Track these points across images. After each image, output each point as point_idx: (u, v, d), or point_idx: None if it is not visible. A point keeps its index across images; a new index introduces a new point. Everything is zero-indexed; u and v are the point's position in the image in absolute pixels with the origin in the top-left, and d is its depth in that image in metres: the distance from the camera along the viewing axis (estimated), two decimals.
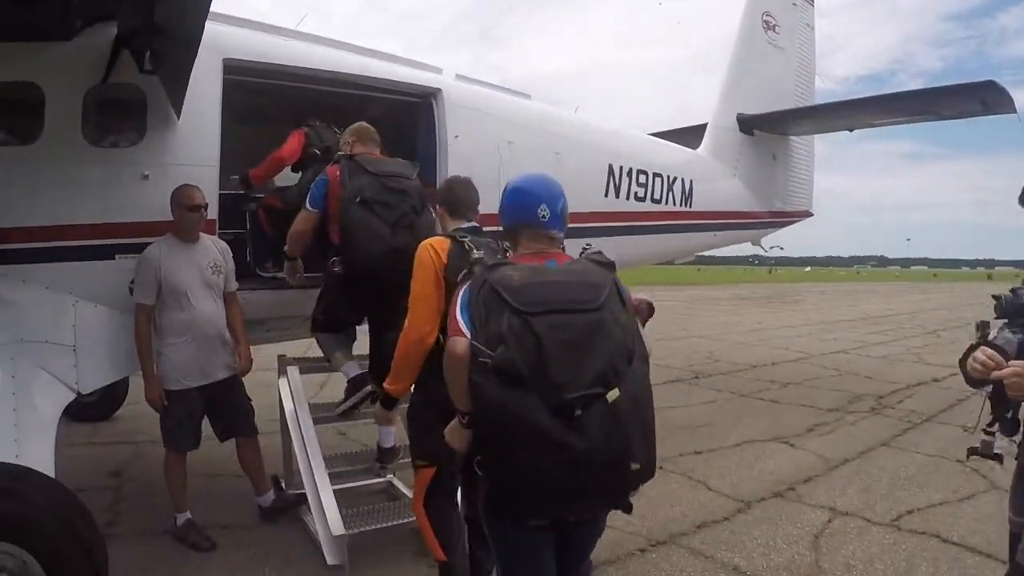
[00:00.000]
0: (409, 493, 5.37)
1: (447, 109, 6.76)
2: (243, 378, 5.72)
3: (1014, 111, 9.98)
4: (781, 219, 13.00)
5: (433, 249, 3.95)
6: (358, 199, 5.10)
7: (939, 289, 67.77)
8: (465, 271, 3.23)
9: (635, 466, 2.74)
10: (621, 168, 8.87)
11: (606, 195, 8.71)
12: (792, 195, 13.19)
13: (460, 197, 4.37)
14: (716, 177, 11.34)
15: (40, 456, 4.27)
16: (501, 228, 3.37)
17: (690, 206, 10.27)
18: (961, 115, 11.01)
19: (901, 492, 6.93)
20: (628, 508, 2.88)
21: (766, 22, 12.81)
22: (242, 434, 5.75)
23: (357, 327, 5.90)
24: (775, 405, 10.95)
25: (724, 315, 28.91)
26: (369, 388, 5.56)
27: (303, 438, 5.23)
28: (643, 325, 3.15)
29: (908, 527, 6.06)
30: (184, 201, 5.23)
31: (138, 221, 5.28)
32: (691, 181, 10.28)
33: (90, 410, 8.45)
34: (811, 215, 13.90)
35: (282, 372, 5.90)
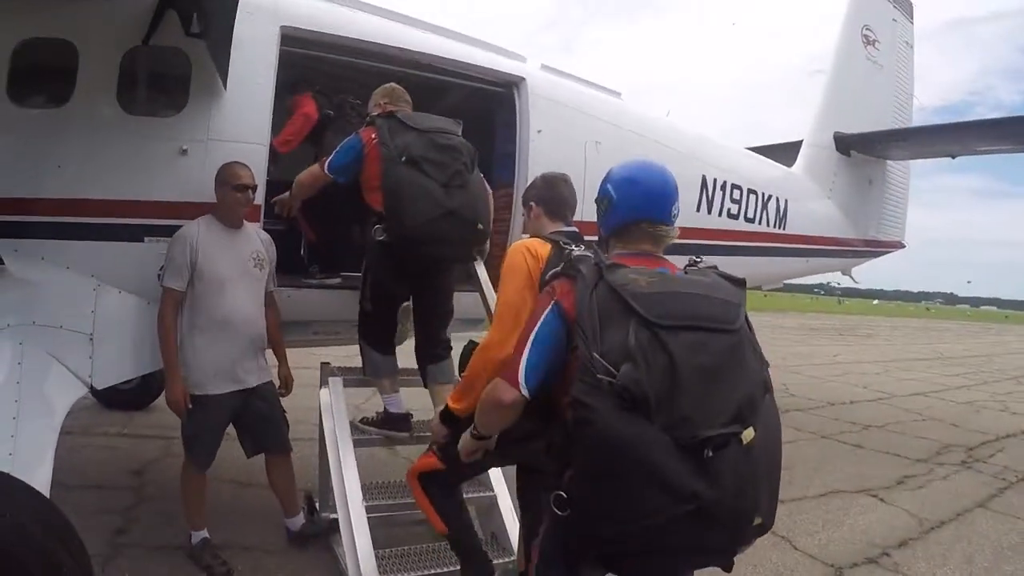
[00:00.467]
0: None
1: (530, 101, 6.05)
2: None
3: None
4: (875, 248, 12.17)
5: (529, 252, 3.36)
6: (404, 158, 4.46)
7: (1012, 331, 65.34)
8: (557, 270, 2.71)
9: (757, 520, 2.36)
10: (715, 181, 8.09)
11: (698, 209, 7.93)
12: (886, 224, 12.40)
13: (564, 196, 3.81)
14: (811, 198, 10.54)
15: (36, 461, 3.65)
16: (608, 224, 2.90)
17: (784, 228, 9.45)
18: None
19: (1007, 566, 6.09)
20: (730, 567, 2.49)
21: (865, 36, 12.11)
22: (273, 450, 5.07)
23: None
24: (859, 450, 10.02)
25: (796, 345, 27.73)
26: (406, 435, 5.00)
27: (340, 463, 4.49)
28: None
29: None
30: (230, 180, 4.62)
31: (173, 201, 4.68)
32: (786, 201, 9.47)
33: (126, 396, 7.91)
34: (903, 247, 13.07)
35: (324, 383, 5.16)
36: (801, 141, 11.29)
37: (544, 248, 3.37)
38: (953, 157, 11.64)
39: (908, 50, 13.21)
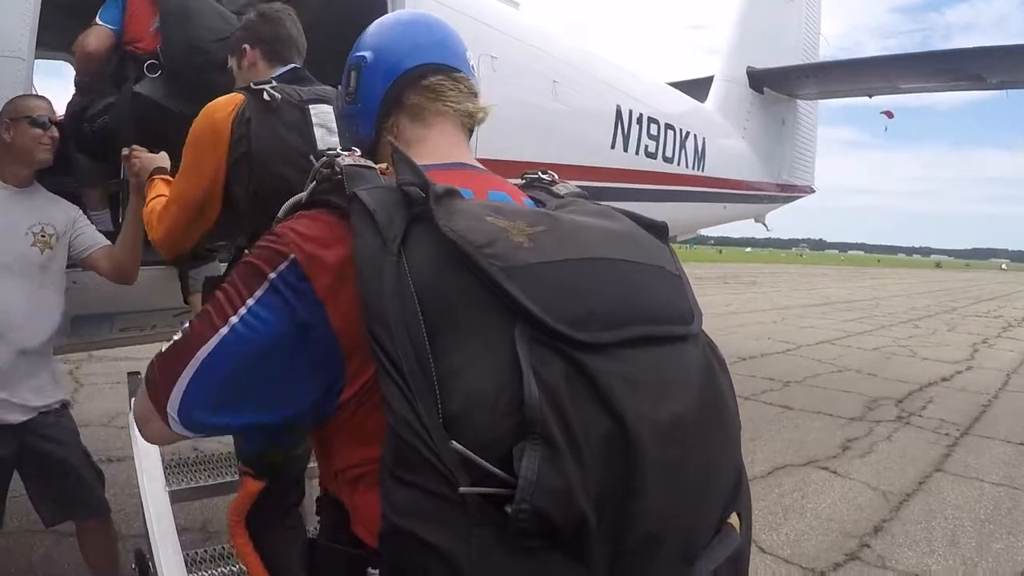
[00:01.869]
0: None
1: (410, 1, 4.67)
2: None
3: None
4: (789, 193, 11.49)
5: (212, 118, 2.52)
6: None
7: (886, 275, 68.11)
8: (299, 197, 1.23)
9: None
10: (631, 113, 6.92)
11: (613, 146, 6.74)
12: (798, 167, 11.69)
13: (291, 35, 2.82)
14: (726, 137, 9.63)
15: None
16: (368, 102, 1.48)
17: (703, 170, 8.44)
18: (1015, 84, 9.44)
19: (995, 543, 5.38)
20: None
21: None
22: (80, 516, 3.43)
23: None
24: (788, 412, 9.20)
25: None
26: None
27: (155, 527, 2.86)
28: None
29: None
30: (23, 111, 3.04)
31: None
32: (704, 139, 8.46)
33: None
34: (814, 191, 12.50)
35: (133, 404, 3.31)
36: (711, 78, 10.36)
37: (232, 100, 2.52)
38: (871, 96, 11.02)
39: None
